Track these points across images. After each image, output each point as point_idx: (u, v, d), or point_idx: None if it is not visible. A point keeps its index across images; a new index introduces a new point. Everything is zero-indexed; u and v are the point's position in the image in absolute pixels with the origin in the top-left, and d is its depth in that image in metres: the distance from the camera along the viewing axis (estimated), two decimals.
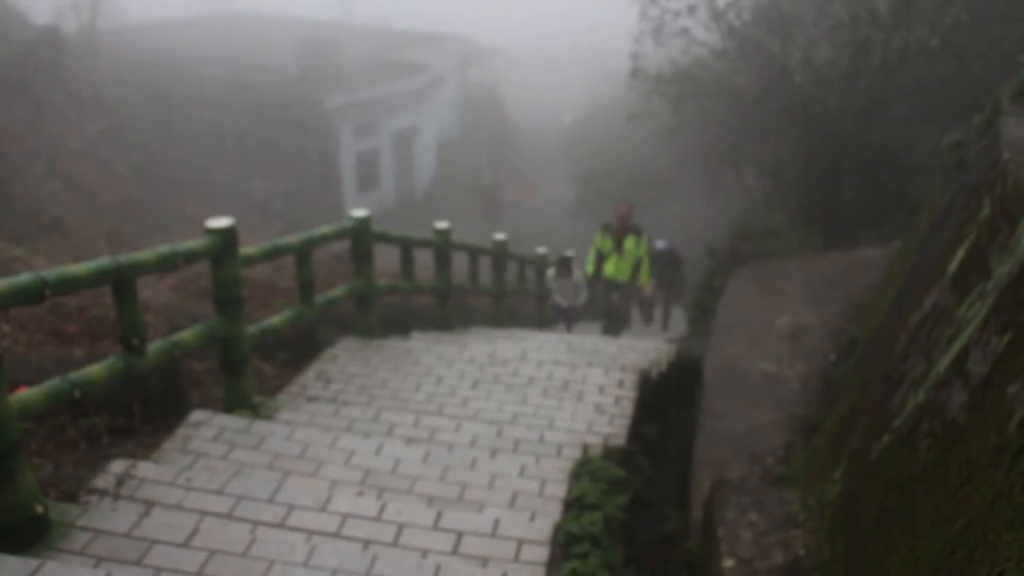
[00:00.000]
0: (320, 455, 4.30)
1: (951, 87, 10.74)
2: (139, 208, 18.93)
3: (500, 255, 9.34)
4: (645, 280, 9.96)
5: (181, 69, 28.62)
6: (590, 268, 9.87)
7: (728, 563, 3.22)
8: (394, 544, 3.47)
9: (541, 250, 10.48)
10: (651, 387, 6.25)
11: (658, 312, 12.71)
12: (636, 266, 9.71)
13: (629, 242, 9.60)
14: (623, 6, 13.87)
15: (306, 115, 26.09)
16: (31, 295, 3.34)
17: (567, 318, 9.95)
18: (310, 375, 5.69)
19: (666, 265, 11.68)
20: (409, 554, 3.42)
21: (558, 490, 4.12)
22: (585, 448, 4.71)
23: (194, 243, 4.38)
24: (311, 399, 5.28)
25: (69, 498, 3.61)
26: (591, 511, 3.84)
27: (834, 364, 5.70)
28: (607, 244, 9.70)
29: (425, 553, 3.44)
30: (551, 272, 10.03)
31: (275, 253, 5.23)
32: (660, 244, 11.63)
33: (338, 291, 6.26)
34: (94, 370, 3.74)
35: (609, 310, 10.11)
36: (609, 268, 9.78)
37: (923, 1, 10.30)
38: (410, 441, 4.60)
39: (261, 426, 4.55)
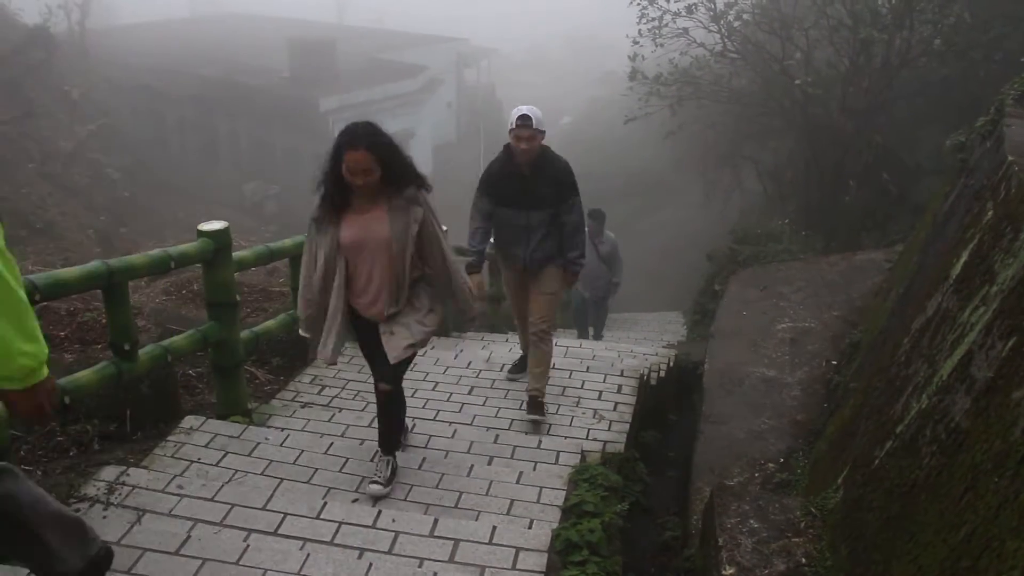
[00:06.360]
0: (314, 462, 4.26)
1: (954, 88, 10.70)
2: (130, 211, 18.85)
3: None
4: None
5: (173, 70, 28.56)
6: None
7: (728, 571, 3.18)
8: (390, 552, 3.44)
9: None
10: (650, 392, 6.21)
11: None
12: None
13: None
14: (622, 6, 13.80)
15: (300, 117, 26.02)
16: None
17: None
18: (304, 380, 5.64)
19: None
20: (405, 562, 3.38)
21: (556, 497, 4.08)
22: (583, 454, 4.67)
23: (187, 246, 4.34)
24: (305, 405, 5.24)
25: None
26: (589, 518, 3.80)
27: (836, 369, 5.67)
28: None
29: (421, 561, 3.40)
30: None
31: (269, 257, 5.19)
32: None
33: None
34: (85, 375, 3.70)
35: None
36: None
37: (925, 1, 10.25)
38: (406, 447, 4.55)
39: (255, 432, 4.51)
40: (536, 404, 5.19)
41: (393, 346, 3.98)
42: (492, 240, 5.33)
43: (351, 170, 3.79)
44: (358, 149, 3.77)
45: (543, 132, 4.94)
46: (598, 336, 10.48)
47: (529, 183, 4.98)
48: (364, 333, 4.12)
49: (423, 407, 5.32)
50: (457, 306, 4.32)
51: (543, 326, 5.24)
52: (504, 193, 5.04)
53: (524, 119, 4.84)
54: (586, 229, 9.10)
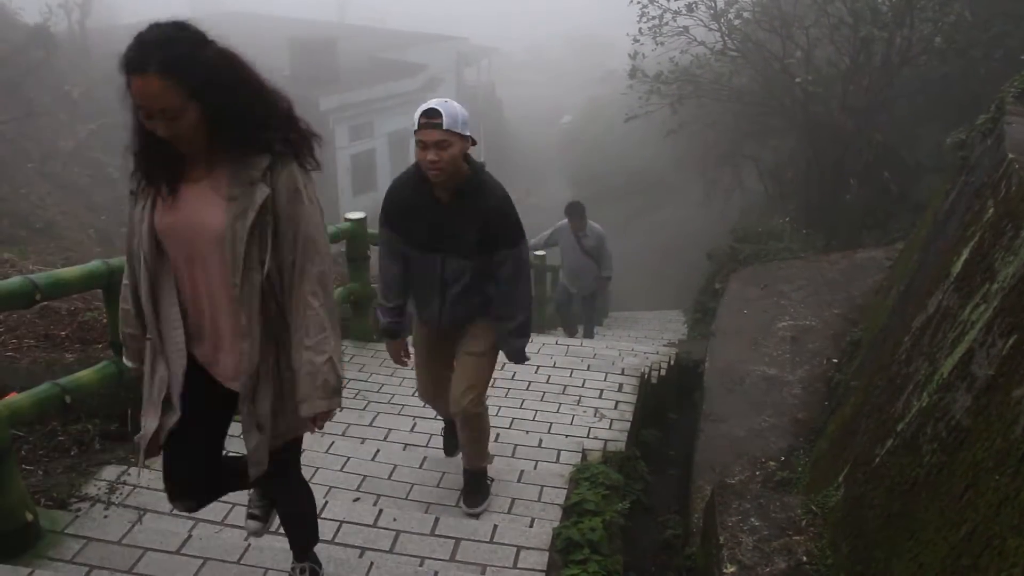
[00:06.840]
0: (315, 461, 4.25)
1: (954, 86, 10.71)
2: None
3: None
4: None
5: None
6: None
7: (730, 569, 3.18)
8: (391, 551, 3.43)
9: (539, 252, 10.34)
10: (651, 391, 6.21)
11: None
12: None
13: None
14: (622, 5, 13.80)
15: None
16: (21, 299, 3.30)
17: None
18: None
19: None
20: (406, 561, 3.38)
21: (557, 496, 4.07)
22: (584, 453, 4.66)
23: None
24: None
25: (60, 505, 3.56)
26: (590, 517, 3.79)
27: (836, 367, 5.67)
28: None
29: (422, 560, 3.40)
30: None
31: None
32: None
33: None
34: (86, 375, 3.69)
35: None
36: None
37: None
38: (407, 446, 4.55)
39: None
40: (476, 485, 3.92)
41: (256, 454, 2.39)
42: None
43: (143, 110, 2.19)
44: (146, 72, 2.11)
45: (467, 138, 3.17)
46: (588, 335, 9.68)
47: (446, 218, 3.31)
48: (202, 402, 2.45)
49: (424, 406, 5.31)
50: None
51: (466, 403, 3.59)
52: (412, 229, 3.39)
53: (430, 113, 3.10)
54: (565, 223, 9.09)
